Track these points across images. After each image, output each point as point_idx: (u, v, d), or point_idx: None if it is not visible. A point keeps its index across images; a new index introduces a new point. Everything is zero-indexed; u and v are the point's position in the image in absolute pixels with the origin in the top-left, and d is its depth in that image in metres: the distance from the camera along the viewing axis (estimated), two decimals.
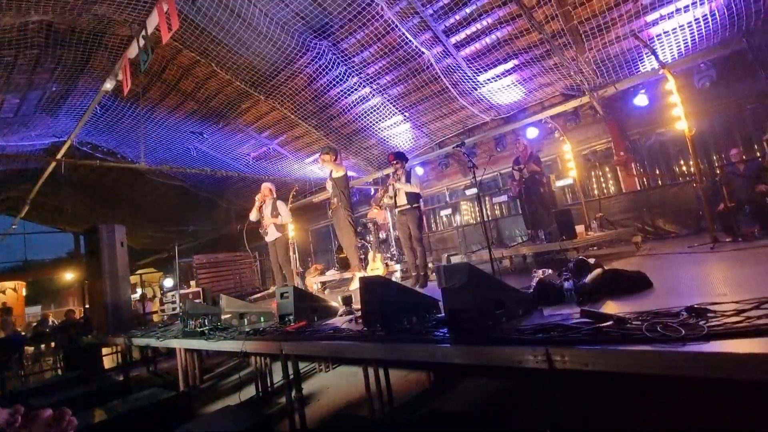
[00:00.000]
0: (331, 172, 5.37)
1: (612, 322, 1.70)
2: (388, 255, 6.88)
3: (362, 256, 6.67)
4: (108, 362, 7.29)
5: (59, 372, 7.64)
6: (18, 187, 11.87)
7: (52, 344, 8.92)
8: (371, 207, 8.58)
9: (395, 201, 4.82)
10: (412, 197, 4.71)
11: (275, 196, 5.81)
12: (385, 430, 3.06)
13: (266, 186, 5.82)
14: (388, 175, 9.99)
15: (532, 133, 7.83)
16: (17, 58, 5.78)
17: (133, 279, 9.13)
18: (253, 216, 5.77)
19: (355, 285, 5.43)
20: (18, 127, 7.39)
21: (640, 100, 6.84)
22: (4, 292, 15.02)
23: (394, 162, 4.88)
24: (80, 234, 16.70)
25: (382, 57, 7.01)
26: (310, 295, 3.76)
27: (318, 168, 5.63)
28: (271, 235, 5.64)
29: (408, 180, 4.75)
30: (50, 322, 11.38)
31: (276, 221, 5.60)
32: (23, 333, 10.12)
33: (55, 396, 3.87)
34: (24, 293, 16.10)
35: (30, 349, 8.88)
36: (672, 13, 5.66)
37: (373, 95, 8.00)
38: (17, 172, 10.42)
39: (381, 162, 10.09)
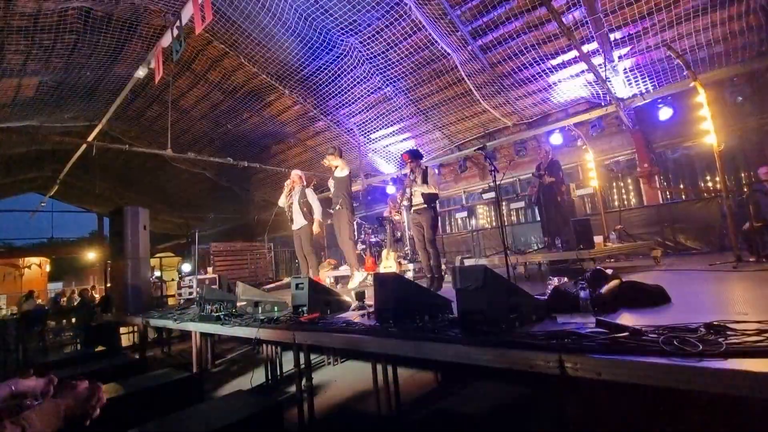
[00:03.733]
0: (335, 171, 5.40)
1: (627, 333, 1.69)
2: (402, 254, 6.90)
3: (376, 253, 6.72)
4: (125, 341, 7.53)
5: (78, 347, 7.93)
6: (50, 167, 12.34)
7: (73, 320, 9.27)
8: (388, 206, 8.62)
9: (411, 200, 4.70)
10: (429, 197, 4.57)
11: (305, 183, 5.67)
12: (393, 426, 3.10)
13: (296, 173, 5.69)
14: (405, 174, 10.03)
15: (554, 140, 7.73)
16: (56, 42, 6.01)
17: (153, 262, 9.39)
18: (281, 202, 5.67)
19: (352, 284, 5.46)
20: (53, 108, 7.69)
21: (668, 112, 6.68)
22: (29, 267, 15.65)
23: (409, 161, 4.73)
24: (104, 215, 17.28)
25: (407, 57, 7.03)
26: (324, 288, 3.81)
27: (325, 163, 5.55)
28: (297, 223, 5.54)
29: (425, 179, 4.59)
30: (67, 298, 11.85)
31: (305, 209, 5.46)
32: (46, 307, 10.54)
33: (76, 370, 4.02)
34: (47, 269, 16.75)
35: (52, 323, 9.23)
36: (708, 26, 5.52)
37: (396, 95, 8.03)
38: (50, 153, 10.84)
39: (399, 161, 10.12)
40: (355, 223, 6.17)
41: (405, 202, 4.78)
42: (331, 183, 5.56)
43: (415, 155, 4.80)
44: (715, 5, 5.27)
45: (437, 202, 4.77)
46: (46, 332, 8.33)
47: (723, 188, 4.61)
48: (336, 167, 5.39)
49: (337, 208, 5.42)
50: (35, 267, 15.84)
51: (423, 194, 4.57)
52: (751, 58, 5.86)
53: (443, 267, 5.00)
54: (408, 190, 4.73)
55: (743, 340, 1.46)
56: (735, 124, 6.68)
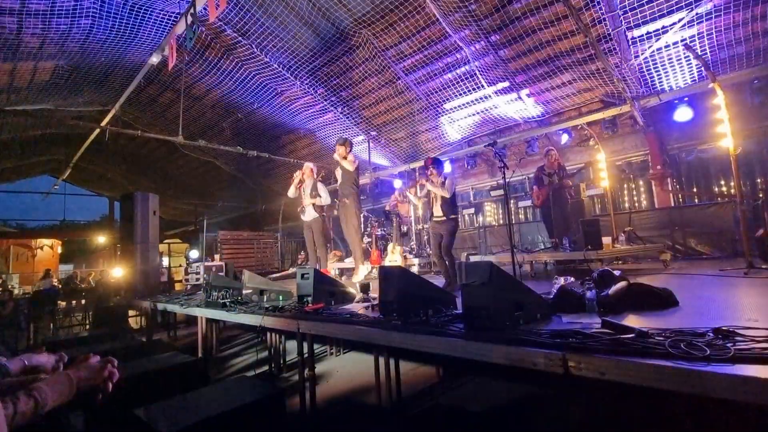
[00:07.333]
0: (343, 163, 5.39)
1: (634, 335, 1.68)
2: (408, 248, 6.91)
3: (381, 247, 6.73)
4: (132, 323, 7.66)
5: (87, 328, 8.09)
6: (63, 150, 12.51)
7: (83, 301, 9.44)
8: (393, 198, 8.60)
9: (432, 211, 4.63)
10: (449, 209, 4.46)
11: (316, 176, 5.66)
12: (393, 418, 3.12)
13: (308, 165, 5.67)
14: (414, 169, 9.99)
15: (565, 138, 7.63)
16: (71, 27, 6.05)
17: (161, 248, 9.52)
18: (290, 192, 5.65)
19: (357, 277, 5.47)
20: (68, 92, 7.76)
21: (683, 113, 6.54)
22: (41, 249, 15.95)
23: (431, 166, 4.64)
24: (115, 200, 17.51)
25: (420, 50, 6.97)
26: (329, 279, 3.84)
27: (335, 157, 5.54)
28: (308, 215, 5.55)
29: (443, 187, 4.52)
30: (79, 280, 12.09)
31: (315, 201, 5.46)
32: (59, 286, 10.75)
33: (85, 349, 4.11)
34: (59, 251, 17.06)
35: (63, 303, 9.42)
36: (729, 26, 5.38)
37: (408, 89, 7.98)
38: (64, 136, 10.98)
39: (408, 155, 10.09)
40: (361, 215, 6.18)
41: (412, 197, 4.79)
42: (338, 173, 5.56)
43: (437, 163, 4.71)
44: (738, 5, 5.13)
45: (458, 213, 4.64)
46: (56, 312, 8.50)
47: (738, 193, 4.52)
48: (345, 159, 5.39)
49: (344, 199, 5.43)
50: (47, 248, 16.13)
51: (442, 206, 4.48)
52: None
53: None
54: (418, 187, 4.70)
55: (752, 347, 1.45)
56: (753, 128, 6.53)
